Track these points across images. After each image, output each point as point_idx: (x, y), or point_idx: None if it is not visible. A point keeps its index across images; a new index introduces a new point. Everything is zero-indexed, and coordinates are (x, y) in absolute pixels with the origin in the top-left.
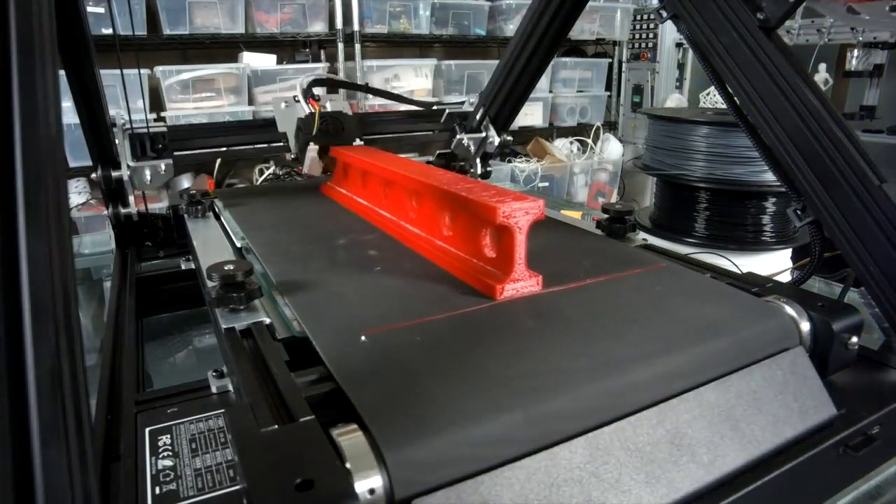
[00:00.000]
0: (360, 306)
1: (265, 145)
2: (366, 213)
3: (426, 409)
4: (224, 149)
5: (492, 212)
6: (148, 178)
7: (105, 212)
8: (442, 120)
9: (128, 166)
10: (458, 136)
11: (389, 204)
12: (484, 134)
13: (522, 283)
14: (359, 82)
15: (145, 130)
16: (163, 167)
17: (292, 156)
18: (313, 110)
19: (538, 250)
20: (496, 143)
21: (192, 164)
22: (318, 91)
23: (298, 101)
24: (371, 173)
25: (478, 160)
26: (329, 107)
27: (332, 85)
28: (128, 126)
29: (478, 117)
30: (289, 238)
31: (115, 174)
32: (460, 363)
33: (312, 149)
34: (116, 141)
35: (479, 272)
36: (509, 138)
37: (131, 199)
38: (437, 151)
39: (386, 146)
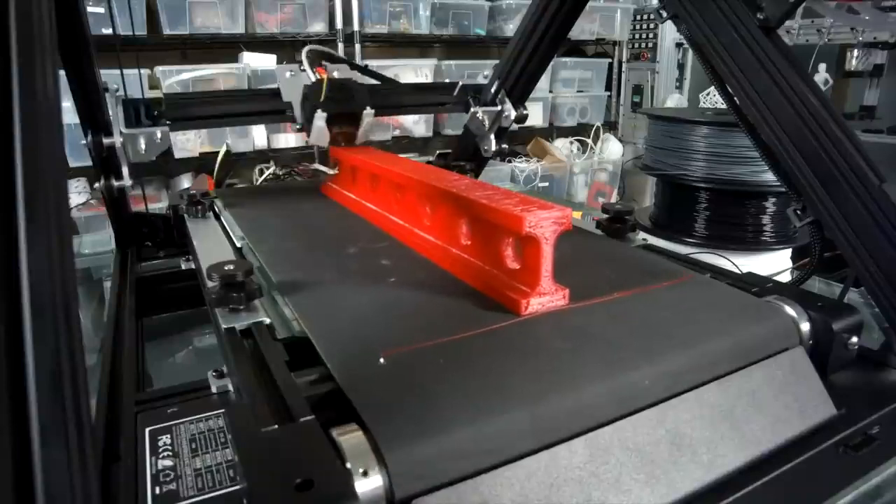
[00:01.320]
0: (375, 323)
1: (267, 115)
2: (375, 218)
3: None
4: (224, 118)
5: (517, 222)
6: (143, 146)
7: (96, 184)
8: (455, 93)
9: (121, 133)
10: (472, 109)
11: (402, 210)
12: (499, 107)
13: (548, 298)
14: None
15: (140, 97)
16: (158, 135)
17: (297, 125)
18: (320, 77)
19: (556, 257)
20: (512, 117)
21: (191, 165)
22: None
23: (304, 70)
24: (381, 177)
25: (491, 136)
26: (336, 75)
27: (330, 59)
28: (121, 92)
29: (493, 90)
30: (296, 246)
31: (106, 142)
32: (484, 387)
33: (320, 117)
34: (108, 106)
35: (501, 285)
36: (526, 112)
37: (125, 170)
38: (437, 151)
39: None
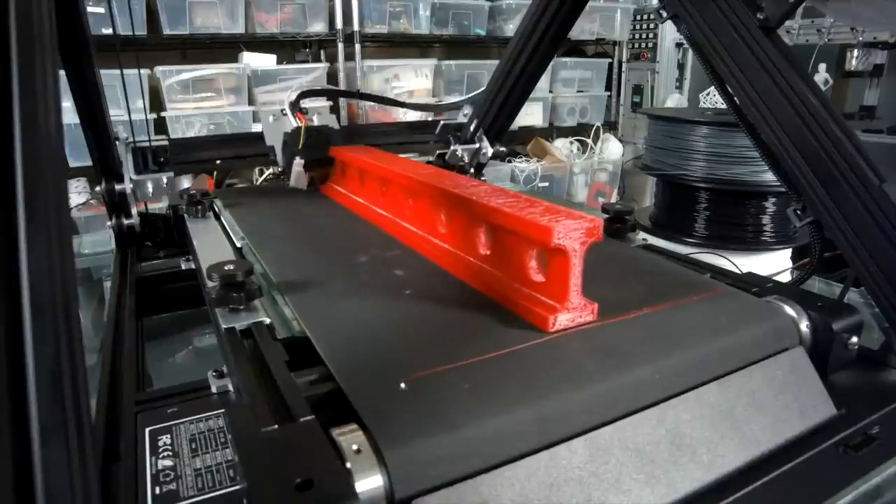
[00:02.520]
0: (393, 341)
1: (256, 158)
2: (384, 223)
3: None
4: (220, 162)
5: (545, 233)
6: (150, 191)
7: (108, 223)
8: (437, 132)
9: (130, 179)
10: (452, 147)
11: (414, 216)
12: (478, 145)
13: (577, 313)
14: (358, 83)
15: (147, 144)
16: (164, 180)
17: (279, 168)
18: (300, 124)
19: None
20: (489, 155)
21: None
22: (307, 103)
23: (286, 115)
24: (392, 181)
25: (472, 170)
26: (316, 120)
27: (322, 95)
28: (130, 140)
29: (472, 128)
30: (303, 254)
31: (118, 187)
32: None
33: (298, 163)
34: (118, 153)
35: (525, 299)
36: (502, 149)
37: (133, 210)
38: (437, 151)
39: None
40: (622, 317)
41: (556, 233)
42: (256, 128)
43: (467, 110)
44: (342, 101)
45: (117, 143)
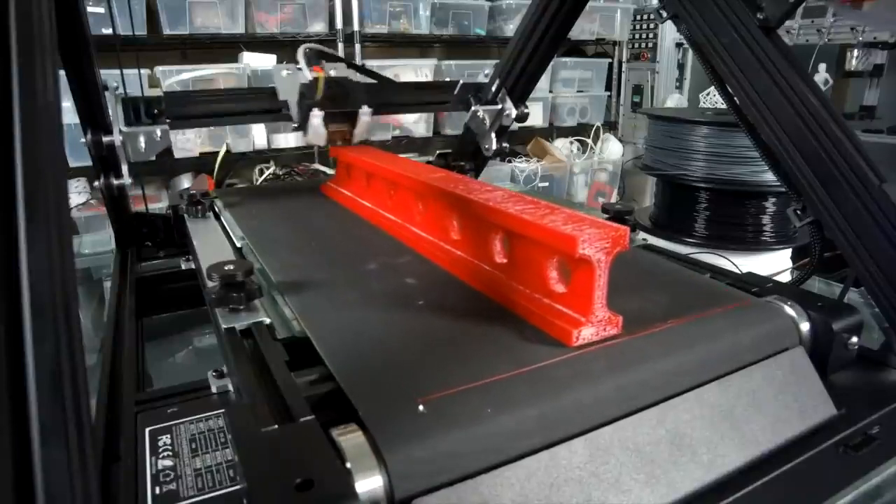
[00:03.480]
0: (408, 357)
1: (265, 114)
2: (393, 228)
3: (427, 409)
4: (223, 117)
5: (570, 243)
6: (142, 144)
7: (96, 182)
8: (456, 91)
9: (120, 131)
10: (472, 108)
11: (425, 221)
12: (500, 106)
13: (602, 327)
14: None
15: (140, 95)
16: (158, 133)
17: (294, 125)
18: (317, 76)
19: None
20: (513, 116)
21: (191, 166)
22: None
23: (301, 69)
24: (401, 184)
25: (492, 135)
26: (334, 73)
27: (325, 58)
28: (121, 91)
29: (493, 89)
30: (310, 261)
31: (106, 140)
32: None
33: (316, 115)
34: (107, 105)
35: (546, 311)
36: (527, 111)
37: (125, 167)
38: (437, 151)
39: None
40: (646, 331)
41: (581, 242)
42: (256, 128)
43: (488, 70)
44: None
45: (106, 92)
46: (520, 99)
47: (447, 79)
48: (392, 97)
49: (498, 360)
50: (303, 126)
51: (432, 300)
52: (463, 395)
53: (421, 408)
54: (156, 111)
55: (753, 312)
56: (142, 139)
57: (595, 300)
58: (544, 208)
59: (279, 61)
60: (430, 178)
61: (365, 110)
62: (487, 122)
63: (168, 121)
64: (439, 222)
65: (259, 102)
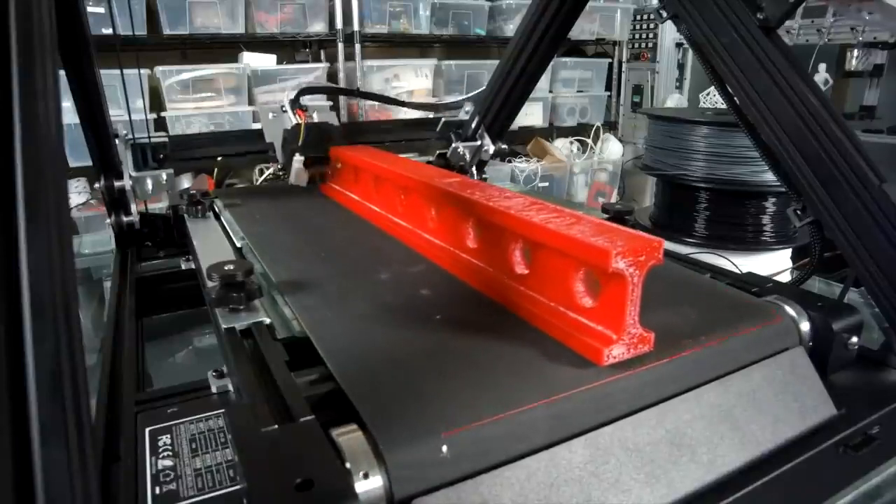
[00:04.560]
0: (427, 381)
1: (254, 154)
2: (404, 235)
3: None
4: (219, 159)
5: (602, 256)
6: (150, 187)
7: (107, 220)
8: (438, 129)
9: (130, 176)
10: (453, 145)
11: (440, 228)
12: (479, 142)
13: (633, 345)
14: (358, 83)
15: (147, 141)
16: (164, 177)
17: (279, 166)
18: (300, 121)
19: None
20: (490, 152)
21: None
22: (307, 101)
23: (286, 111)
24: (412, 189)
25: (473, 169)
26: (316, 117)
27: (321, 92)
28: (130, 137)
29: (473, 125)
30: (319, 270)
31: (117, 184)
32: None
33: (298, 160)
34: (118, 150)
35: (573, 327)
36: (504, 147)
37: (133, 207)
38: (437, 151)
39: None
40: (680, 351)
41: (615, 256)
42: (256, 126)
43: (468, 108)
44: (342, 101)
45: (117, 140)
46: (498, 135)
47: (443, 84)
48: (374, 137)
49: (517, 376)
50: (286, 168)
51: (441, 305)
52: (489, 428)
53: (444, 449)
54: (161, 156)
55: (780, 332)
56: (149, 182)
57: (627, 316)
58: (569, 217)
59: (279, 61)
60: (445, 183)
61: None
62: (468, 156)
63: (171, 170)
64: (454, 229)
65: (251, 144)
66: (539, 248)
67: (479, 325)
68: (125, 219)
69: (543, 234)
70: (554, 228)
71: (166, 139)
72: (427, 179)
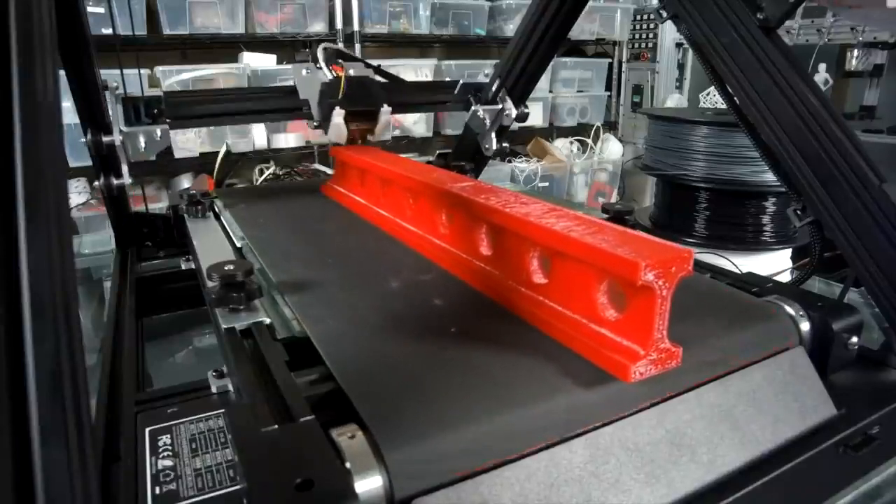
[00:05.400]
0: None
1: (277, 113)
2: (413, 240)
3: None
4: (230, 116)
5: (631, 268)
6: (142, 144)
7: (96, 182)
8: (456, 91)
9: (120, 131)
10: (473, 108)
11: (452, 234)
12: (500, 106)
13: (661, 360)
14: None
15: (139, 95)
16: (158, 132)
17: (315, 123)
18: (338, 75)
19: None
20: (513, 116)
21: (191, 166)
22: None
23: (320, 67)
24: (421, 192)
25: (492, 135)
26: (353, 72)
27: (343, 57)
28: (120, 91)
29: (493, 88)
30: (328, 277)
31: (106, 140)
32: None
33: (338, 114)
34: (108, 105)
35: (596, 340)
36: (527, 111)
37: (124, 168)
38: (437, 151)
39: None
40: (709, 372)
41: (644, 268)
42: (256, 128)
43: (488, 70)
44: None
45: (106, 92)
46: (520, 99)
47: (447, 79)
48: (407, 96)
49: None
50: (324, 124)
51: (449, 310)
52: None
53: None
54: (155, 111)
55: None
56: (142, 139)
57: (655, 330)
58: (590, 225)
59: (279, 61)
60: (459, 187)
61: (385, 109)
62: (488, 121)
63: (168, 121)
64: (467, 235)
65: (267, 102)
66: (561, 258)
67: (486, 329)
68: (115, 182)
69: (567, 243)
70: (579, 238)
71: (161, 94)
72: (439, 184)
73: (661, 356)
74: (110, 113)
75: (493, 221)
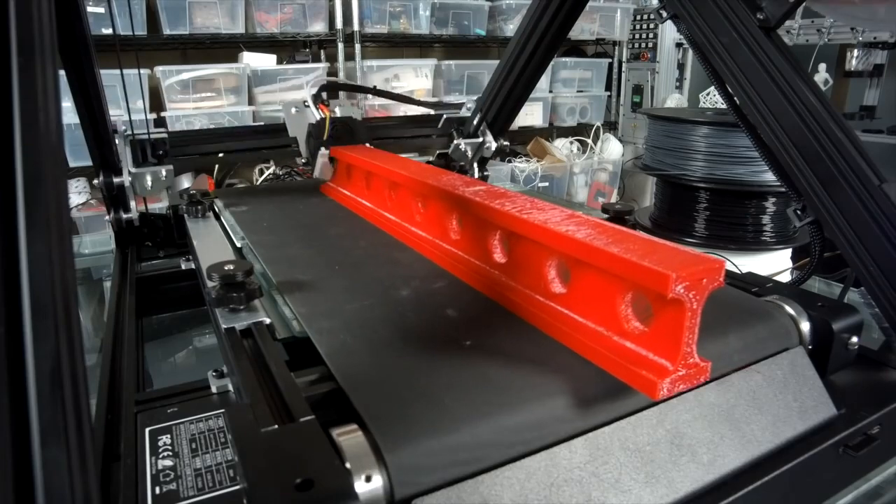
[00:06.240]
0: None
1: (264, 150)
2: (421, 245)
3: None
4: (223, 154)
5: (661, 281)
6: (149, 184)
7: (107, 217)
8: (439, 125)
9: (129, 172)
10: (455, 141)
11: (465, 241)
12: (481, 139)
13: (691, 376)
14: (359, 82)
15: (146, 136)
16: (163, 173)
17: (303, 160)
18: (323, 116)
19: None
20: (493, 149)
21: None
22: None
23: (308, 107)
24: (430, 196)
25: (475, 165)
26: (339, 112)
27: (340, 89)
28: (129, 132)
29: (475, 122)
30: (337, 285)
31: (116, 181)
32: None
33: (323, 154)
34: (117, 147)
35: (619, 353)
36: (506, 143)
37: (132, 204)
38: (437, 151)
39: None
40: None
41: (674, 280)
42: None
43: (470, 104)
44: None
45: (115, 135)
46: (499, 132)
47: (443, 84)
48: (390, 133)
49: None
50: (311, 161)
51: (457, 314)
52: None
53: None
54: (161, 152)
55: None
56: (148, 178)
57: (684, 344)
58: (613, 233)
59: (279, 61)
60: (472, 191)
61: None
62: (469, 153)
63: (171, 166)
64: (480, 241)
65: (262, 140)
66: (583, 267)
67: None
68: (124, 216)
69: (592, 252)
70: (604, 247)
71: (165, 135)
72: (451, 187)
73: (690, 371)
74: (119, 154)
75: (510, 228)
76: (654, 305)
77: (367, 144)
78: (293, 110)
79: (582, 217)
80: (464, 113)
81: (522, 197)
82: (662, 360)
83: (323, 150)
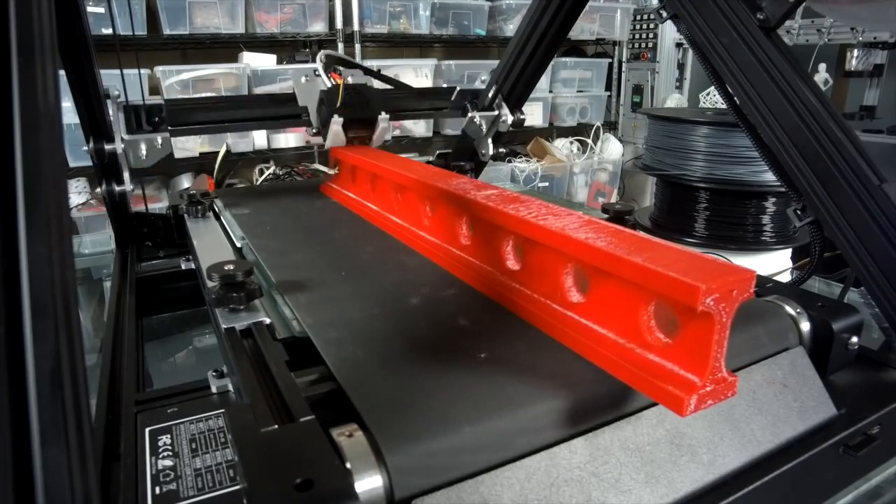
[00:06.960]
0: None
1: (277, 120)
2: (429, 251)
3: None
4: (230, 123)
5: (691, 293)
6: (143, 152)
7: (98, 188)
8: (452, 97)
9: (122, 139)
10: (469, 115)
11: (477, 247)
12: (496, 112)
13: (720, 392)
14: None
15: (141, 103)
16: (159, 140)
17: (314, 130)
18: (336, 83)
19: None
20: (509, 122)
21: (191, 166)
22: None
23: (319, 75)
24: (439, 200)
25: (489, 140)
26: (351, 80)
27: (346, 65)
28: (122, 99)
29: (490, 95)
30: (344, 292)
31: (108, 147)
32: None
33: (336, 122)
34: (110, 113)
35: (644, 367)
36: (523, 116)
37: (126, 175)
38: (437, 151)
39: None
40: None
41: (704, 293)
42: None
43: (485, 76)
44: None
45: (108, 100)
46: (516, 105)
47: (445, 83)
48: (404, 103)
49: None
50: (322, 132)
51: (466, 320)
52: None
53: None
54: (156, 118)
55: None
56: (143, 146)
57: (712, 359)
58: (633, 240)
59: (279, 61)
60: (484, 195)
61: (383, 116)
62: (484, 127)
63: (168, 129)
64: (491, 247)
65: (266, 108)
66: (603, 276)
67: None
68: (117, 188)
69: (614, 262)
70: (627, 256)
71: (162, 101)
72: (462, 191)
73: (719, 387)
74: (112, 120)
75: (525, 234)
76: (681, 318)
77: (384, 114)
78: (303, 79)
79: (600, 223)
80: (479, 84)
81: (537, 202)
82: (689, 375)
83: (336, 118)
